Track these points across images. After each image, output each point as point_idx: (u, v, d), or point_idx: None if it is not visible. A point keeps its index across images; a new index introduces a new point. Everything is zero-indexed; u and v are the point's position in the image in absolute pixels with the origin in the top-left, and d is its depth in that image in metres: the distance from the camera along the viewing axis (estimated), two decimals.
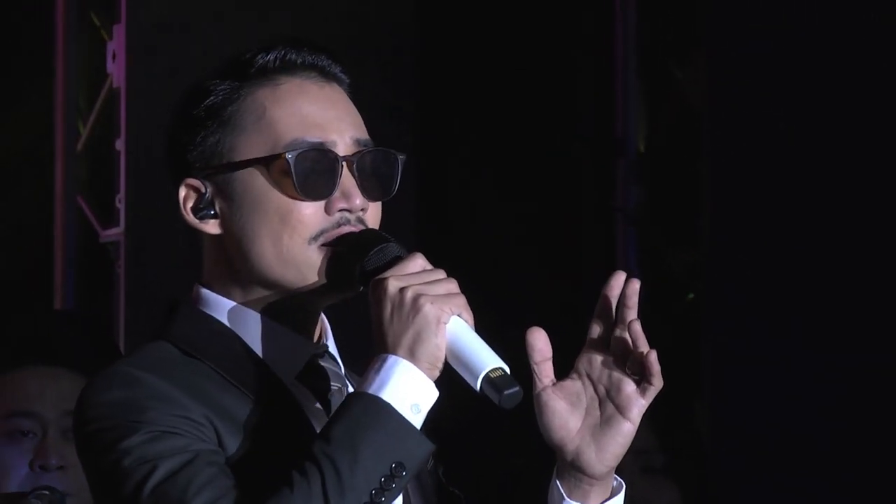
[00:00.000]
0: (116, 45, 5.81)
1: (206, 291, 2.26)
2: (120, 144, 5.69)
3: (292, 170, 2.18)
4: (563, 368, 2.15)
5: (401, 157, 2.26)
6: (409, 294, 2.07)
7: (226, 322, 2.22)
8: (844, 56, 4.97)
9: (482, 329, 2.15)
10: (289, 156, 2.18)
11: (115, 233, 5.72)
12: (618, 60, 5.90)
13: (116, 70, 5.80)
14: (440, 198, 5.59)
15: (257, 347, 2.21)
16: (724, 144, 5.16)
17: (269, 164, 2.20)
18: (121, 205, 5.64)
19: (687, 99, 5.66)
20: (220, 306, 2.24)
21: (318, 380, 2.21)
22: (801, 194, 4.90)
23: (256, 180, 2.21)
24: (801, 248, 4.84)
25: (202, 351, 2.20)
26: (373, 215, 2.25)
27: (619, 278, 2.16)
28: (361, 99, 2.35)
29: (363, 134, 2.27)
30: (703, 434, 4.47)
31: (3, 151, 6.35)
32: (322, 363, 2.22)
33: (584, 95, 6.02)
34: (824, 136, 4.97)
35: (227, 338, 2.22)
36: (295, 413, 2.18)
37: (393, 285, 2.08)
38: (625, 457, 3.85)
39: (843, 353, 4.63)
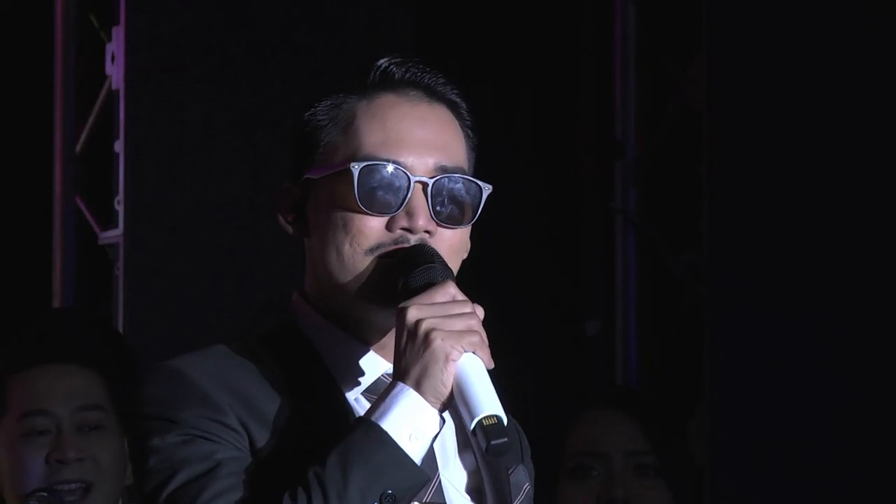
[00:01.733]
0: (115, 46, 5.79)
1: (296, 298, 2.32)
2: (119, 146, 5.69)
3: (355, 181, 2.20)
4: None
5: (486, 189, 2.27)
6: (423, 327, 2.08)
7: (305, 329, 2.26)
8: (845, 58, 4.95)
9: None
10: (354, 167, 2.21)
11: (114, 235, 5.71)
12: (617, 62, 5.90)
13: (115, 72, 5.79)
14: None
15: (329, 358, 2.25)
16: (724, 147, 5.15)
17: (341, 174, 2.23)
18: (120, 207, 5.62)
19: (687, 101, 5.65)
20: (304, 314, 2.29)
21: None
22: (802, 196, 4.89)
23: (333, 189, 2.24)
24: (802, 250, 4.83)
25: (270, 353, 2.23)
26: (444, 240, 2.25)
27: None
28: None
29: (452, 160, 2.27)
30: (701, 437, 4.47)
31: (2, 152, 6.35)
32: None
33: (584, 98, 6.01)
34: (825, 137, 4.96)
35: (299, 344, 2.25)
36: (345, 424, 2.17)
37: (412, 315, 2.10)
38: (619, 458, 3.90)
39: (847, 355, 4.61)
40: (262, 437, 2.12)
